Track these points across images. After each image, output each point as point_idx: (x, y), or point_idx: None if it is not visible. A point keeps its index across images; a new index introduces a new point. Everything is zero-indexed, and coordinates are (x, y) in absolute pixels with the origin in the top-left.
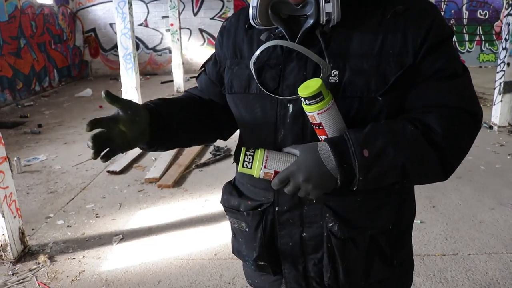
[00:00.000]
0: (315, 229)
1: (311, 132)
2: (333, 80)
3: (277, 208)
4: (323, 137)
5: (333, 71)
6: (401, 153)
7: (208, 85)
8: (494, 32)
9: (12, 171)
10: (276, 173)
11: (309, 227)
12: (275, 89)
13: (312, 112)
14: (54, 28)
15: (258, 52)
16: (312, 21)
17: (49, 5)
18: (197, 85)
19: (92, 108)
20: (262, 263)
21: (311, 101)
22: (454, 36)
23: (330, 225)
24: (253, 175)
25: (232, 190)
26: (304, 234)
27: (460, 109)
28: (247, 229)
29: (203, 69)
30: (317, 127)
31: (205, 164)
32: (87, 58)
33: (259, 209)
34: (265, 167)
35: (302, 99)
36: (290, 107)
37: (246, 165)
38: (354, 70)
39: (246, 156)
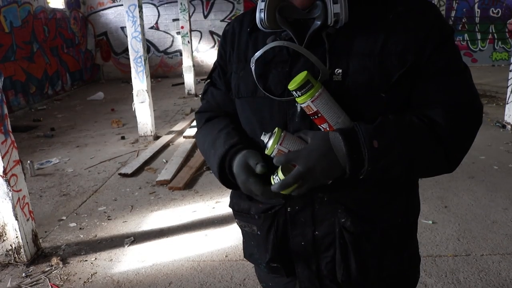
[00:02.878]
0: (327, 226)
1: (318, 129)
2: (337, 79)
3: (288, 209)
4: (324, 125)
5: (337, 69)
6: (409, 147)
7: (224, 99)
8: (507, 30)
9: (25, 175)
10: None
11: (321, 225)
12: (282, 92)
13: (306, 101)
14: (66, 33)
15: (260, 52)
16: (319, 22)
17: (61, 10)
18: (209, 101)
19: (104, 111)
20: (275, 265)
21: (302, 91)
22: (466, 35)
23: (342, 220)
24: (266, 153)
25: (241, 193)
26: (317, 232)
27: (463, 104)
28: (258, 232)
29: (210, 82)
30: (316, 117)
31: None
32: (99, 62)
33: (270, 212)
34: (280, 144)
35: (294, 93)
36: (298, 106)
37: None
38: (357, 68)
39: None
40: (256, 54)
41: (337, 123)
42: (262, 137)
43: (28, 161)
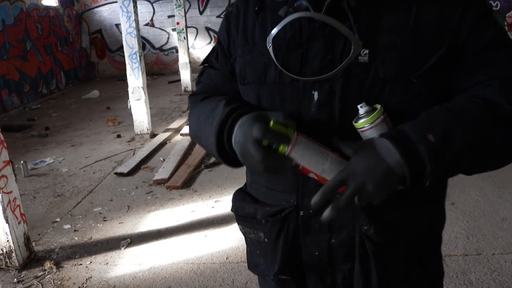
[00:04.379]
0: (346, 234)
1: (339, 122)
2: (363, 60)
3: (301, 213)
4: (311, 175)
5: (363, 50)
6: (472, 131)
7: (223, 80)
8: (506, 24)
9: (16, 175)
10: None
11: (338, 232)
12: (296, 75)
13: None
14: (60, 30)
15: (276, 29)
16: None
17: (54, 7)
18: (205, 83)
19: (99, 109)
20: (285, 277)
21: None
22: None
23: (365, 228)
24: (357, 124)
25: (245, 196)
26: (333, 241)
27: None
28: (265, 239)
29: (206, 65)
30: (299, 168)
31: (215, 164)
32: (94, 60)
33: (279, 215)
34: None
35: None
36: (315, 94)
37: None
38: (386, 47)
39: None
40: (272, 32)
41: (324, 170)
42: (361, 105)
43: (21, 161)
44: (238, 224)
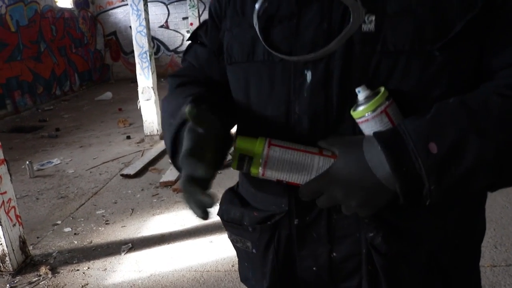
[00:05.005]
0: (350, 245)
1: (337, 111)
2: (368, 29)
3: (296, 221)
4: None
5: (368, 15)
6: (491, 140)
7: (209, 60)
8: None
9: (11, 175)
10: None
11: (340, 243)
12: (287, 53)
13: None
14: (74, 32)
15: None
16: None
17: (69, 9)
18: (190, 63)
19: (111, 111)
20: None
21: (244, 169)
22: None
23: (370, 235)
24: (355, 113)
25: (233, 198)
26: (334, 254)
27: None
28: (253, 250)
29: (194, 39)
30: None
31: (225, 165)
32: (108, 62)
33: (269, 222)
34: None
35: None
36: (308, 75)
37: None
38: (398, 12)
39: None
40: (256, 4)
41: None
42: (359, 89)
43: (27, 162)
44: (226, 229)
